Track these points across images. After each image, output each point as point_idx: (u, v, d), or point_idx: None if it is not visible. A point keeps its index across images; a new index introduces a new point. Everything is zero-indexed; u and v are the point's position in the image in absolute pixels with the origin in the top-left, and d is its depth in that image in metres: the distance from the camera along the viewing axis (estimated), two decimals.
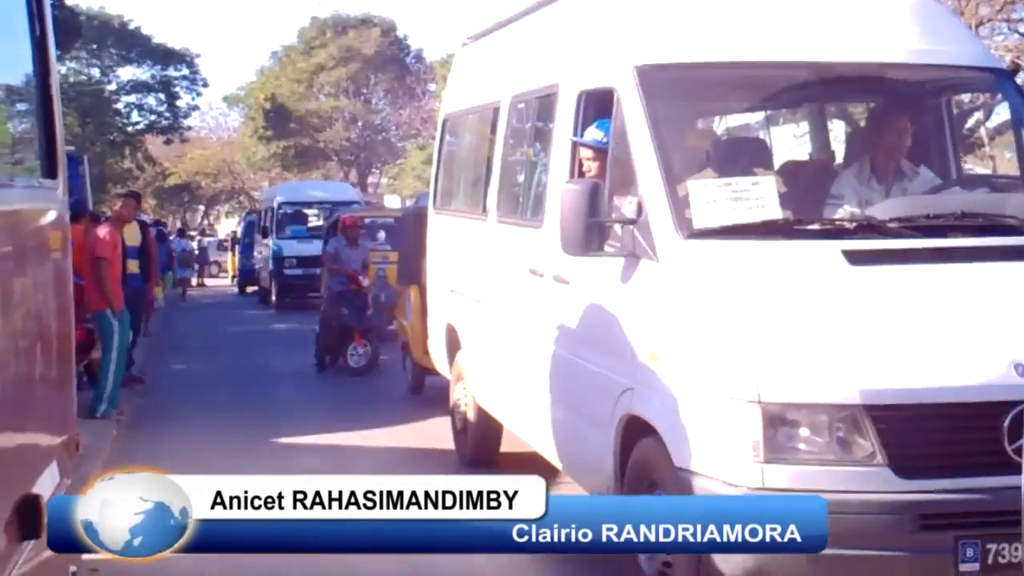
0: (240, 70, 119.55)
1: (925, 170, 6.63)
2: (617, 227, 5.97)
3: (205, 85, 56.58)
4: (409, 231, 13.37)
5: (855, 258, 5.43)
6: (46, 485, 4.33)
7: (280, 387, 15.31)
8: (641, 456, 5.70)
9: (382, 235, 21.35)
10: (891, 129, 6.54)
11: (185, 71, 54.89)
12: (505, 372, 8.08)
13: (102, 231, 11.92)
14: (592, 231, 5.80)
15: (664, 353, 5.48)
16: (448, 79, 10.99)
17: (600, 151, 6.52)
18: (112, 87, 53.13)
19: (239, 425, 11.89)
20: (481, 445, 9.34)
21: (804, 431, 4.90)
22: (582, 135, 6.73)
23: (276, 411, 13.09)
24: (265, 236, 30.15)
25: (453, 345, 9.70)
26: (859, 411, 4.85)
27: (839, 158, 7.43)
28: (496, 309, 8.26)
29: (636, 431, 5.76)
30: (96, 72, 52.39)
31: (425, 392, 13.25)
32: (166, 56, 53.91)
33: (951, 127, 7.37)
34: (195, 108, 57.20)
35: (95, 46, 50.37)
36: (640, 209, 5.81)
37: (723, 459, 4.99)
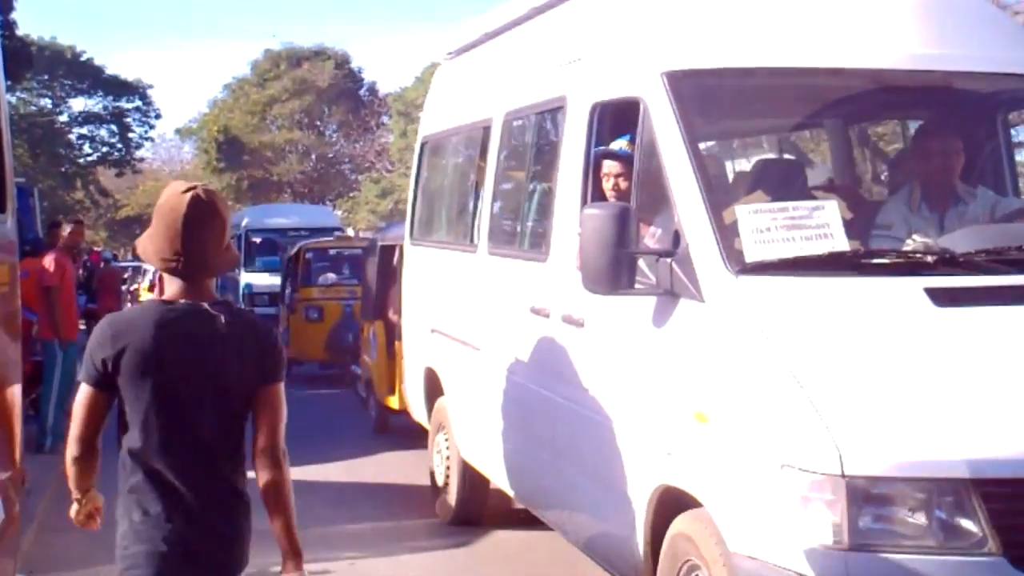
0: (193, 102, 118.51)
1: (984, 191, 5.73)
2: (642, 261, 5.04)
3: (158, 116, 56.09)
4: (373, 264, 12.64)
5: (941, 298, 4.50)
6: None
7: None
8: (680, 534, 4.78)
9: (347, 269, 19.19)
10: (945, 148, 5.65)
11: (138, 102, 54.29)
12: (497, 424, 7.08)
13: (47, 260, 11.68)
14: (621, 264, 4.82)
15: (715, 413, 4.52)
16: (427, 99, 10.04)
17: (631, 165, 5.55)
18: (64, 118, 52.35)
19: None
20: (466, 503, 8.39)
21: (897, 511, 3.96)
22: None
23: None
24: None
25: (433, 391, 8.75)
26: (966, 486, 3.91)
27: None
28: (487, 353, 7.29)
29: (673, 504, 4.83)
30: (47, 103, 51.66)
31: (390, 431, 12.77)
32: (119, 87, 53.29)
33: (1007, 144, 6.49)
34: (148, 140, 56.52)
35: (46, 76, 49.77)
36: (678, 239, 4.87)
37: (794, 545, 4.04)
